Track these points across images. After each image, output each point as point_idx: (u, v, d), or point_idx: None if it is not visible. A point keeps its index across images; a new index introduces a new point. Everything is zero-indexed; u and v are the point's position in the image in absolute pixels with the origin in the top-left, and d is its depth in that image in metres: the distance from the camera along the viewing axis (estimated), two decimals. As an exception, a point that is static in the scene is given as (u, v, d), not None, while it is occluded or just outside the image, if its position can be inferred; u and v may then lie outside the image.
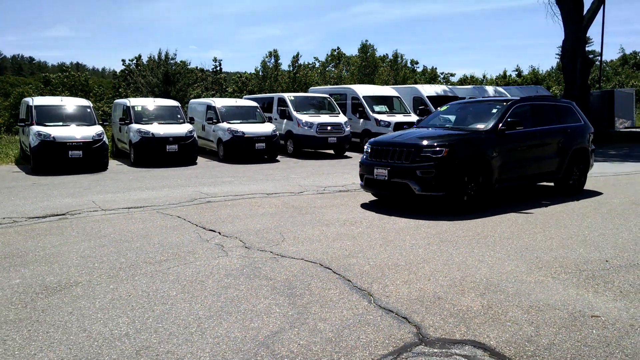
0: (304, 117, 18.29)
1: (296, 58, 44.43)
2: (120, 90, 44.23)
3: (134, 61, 48.61)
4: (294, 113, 18.61)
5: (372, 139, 9.32)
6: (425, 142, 8.37)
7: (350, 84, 37.43)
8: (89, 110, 15.63)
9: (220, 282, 4.96)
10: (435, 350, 3.54)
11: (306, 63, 46.42)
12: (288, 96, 19.75)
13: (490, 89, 25.81)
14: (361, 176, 9.17)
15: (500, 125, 8.93)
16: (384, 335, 3.79)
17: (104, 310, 4.30)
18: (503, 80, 51.77)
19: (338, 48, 52.64)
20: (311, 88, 27.55)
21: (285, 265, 5.48)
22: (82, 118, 15.20)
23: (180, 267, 5.45)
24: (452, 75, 58.68)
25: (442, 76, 57.72)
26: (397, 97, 21.56)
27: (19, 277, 5.15)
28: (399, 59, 51.78)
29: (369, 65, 46.68)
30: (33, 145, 13.72)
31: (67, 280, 5.06)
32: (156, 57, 40.16)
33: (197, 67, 45.79)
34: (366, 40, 49.50)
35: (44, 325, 3.99)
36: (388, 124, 19.15)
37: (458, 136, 8.70)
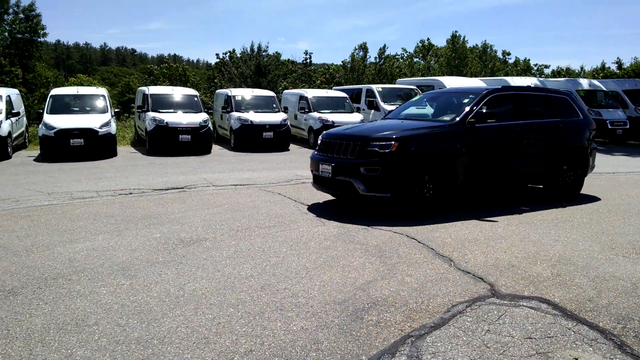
0: (391, 108, 18.92)
1: (382, 50, 44.80)
2: (215, 81, 46.85)
3: (227, 54, 51.30)
4: (382, 104, 19.30)
5: (325, 131, 8.26)
6: (373, 135, 7.27)
7: (438, 76, 37.34)
8: (195, 99, 17.29)
9: (321, 244, 5.87)
10: (505, 302, 4.21)
11: (393, 54, 46.66)
12: (376, 87, 20.47)
13: (584, 82, 24.94)
14: (312, 172, 8.16)
15: (470, 117, 7.63)
16: (461, 288, 4.50)
17: (231, 258, 5.34)
18: (601, 72, 49.05)
19: (428, 39, 52.32)
20: (398, 80, 28.02)
21: (376, 234, 6.29)
22: (190, 106, 16.85)
23: (286, 231, 6.42)
24: (547, 67, 56.38)
25: (535, 68, 55.62)
26: (485, 90, 21.57)
27: (159, 233, 6.35)
28: (489, 49, 50.57)
29: (458, 56, 46.09)
30: (149, 129, 15.49)
31: (197, 236, 6.19)
32: (249, 50, 42.31)
33: (288, 59, 47.46)
34: (456, 31, 48.79)
35: (187, 266, 5.09)
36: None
37: (414, 129, 7.46)
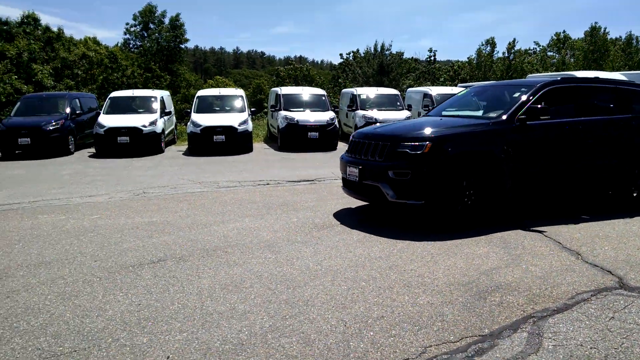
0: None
1: (512, 44, 42.86)
2: (339, 80, 48.17)
3: (351, 54, 52.45)
4: (509, 101, 18.76)
5: (356, 131, 7.66)
6: (404, 135, 6.46)
7: (574, 70, 34.97)
8: (323, 98, 18.20)
9: (445, 232, 6.16)
10: (633, 294, 4.22)
11: (523, 49, 44.44)
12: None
13: None
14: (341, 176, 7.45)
15: (520, 113, 6.61)
16: (587, 280, 4.57)
17: (360, 242, 5.85)
18: None
19: (564, 31, 49.05)
20: (529, 75, 26.80)
21: (502, 227, 6.42)
22: (318, 105, 17.80)
23: (411, 219, 6.80)
24: None
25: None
26: (628, 84, 19.97)
27: (295, 218, 7.07)
28: (634, 41, 46.06)
29: (597, 49, 42.65)
30: (281, 127, 16.66)
31: (328, 222, 6.80)
32: (372, 49, 42.95)
33: (411, 57, 47.33)
34: (596, 23, 45.16)
35: (322, 246, 5.69)
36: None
37: (452, 127, 6.53)
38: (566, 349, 3.32)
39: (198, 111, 16.62)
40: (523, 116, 6.58)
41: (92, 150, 16.89)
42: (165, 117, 17.19)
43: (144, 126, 15.47)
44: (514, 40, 43.04)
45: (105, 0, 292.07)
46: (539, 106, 6.58)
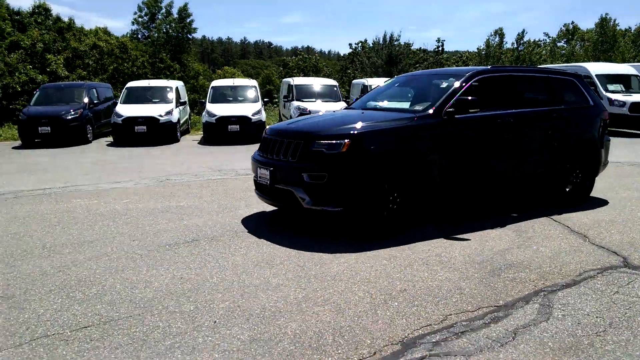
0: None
1: (521, 35, 42.94)
2: (348, 71, 48.36)
3: (360, 44, 52.55)
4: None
5: (269, 126, 6.81)
6: (319, 132, 5.66)
7: (583, 61, 35.01)
8: (335, 89, 18.58)
9: (457, 219, 6.50)
10: (637, 272, 4.56)
11: (533, 40, 44.44)
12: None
13: None
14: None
15: (447, 106, 6.01)
16: (594, 259, 4.91)
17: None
18: None
19: (572, 22, 49.01)
20: (539, 67, 26.98)
21: (511, 213, 6.75)
22: (329, 95, 18.15)
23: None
24: None
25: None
26: (636, 76, 20.11)
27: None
28: (645, 32, 45.92)
29: (606, 41, 42.61)
30: (294, 116, 16.99)
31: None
32: (381, 40, 43.11)
33: (419, 47, 47.42)
34: (606, 14, 45.09)
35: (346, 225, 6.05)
36: (623, 104, 18.20)
37: (374, 123, 5.78)
38: (574, 318, 3.67)
39: (213, 101, 16.98)
40: (451, 109, 5.98)
41: (109, 139, 17.32)
42: (180, 107, 17.57)
43: (161, 116, 15.85)
44: (523, 31, 43.13)
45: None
46: (469, 98, 5.92)
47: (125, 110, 16.12)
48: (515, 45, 42.70)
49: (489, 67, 6.87)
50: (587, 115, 7.40)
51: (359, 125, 5.61)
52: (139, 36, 46.61)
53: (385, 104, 7.19)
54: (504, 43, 42.67)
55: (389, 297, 4.04)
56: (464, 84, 6.23)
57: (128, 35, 46.22)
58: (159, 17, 45.72)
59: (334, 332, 3.47)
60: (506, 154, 6.50)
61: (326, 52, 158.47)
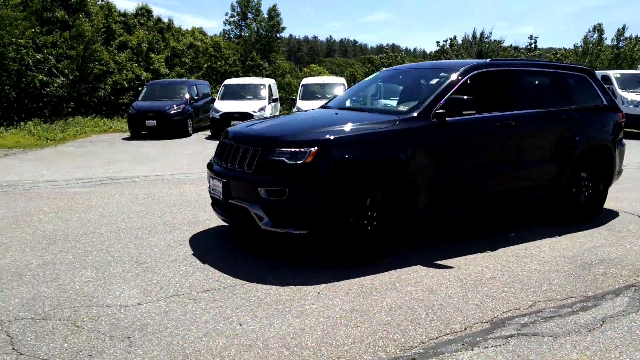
0: (630, 96, 17.59)
1: (621, 31, 40.28)
2: (434, 69, 47.70)
3: (448, 42, 51.64)
4: (619, 91, 18.04)
5: (229, 128, 5.63)
6: (281, 137, 4.71)
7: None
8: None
9: (547, 212, 6.56)
10: None
11: (635, 36, 41.53)
12: (613, 73, 19.13)
13: None
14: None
15: (437, 107, 5.06)
16: (693, 260, 4.86)
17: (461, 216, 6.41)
18: None
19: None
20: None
21: (605, 213, 6.69)
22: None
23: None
24: None
25: None
26: None
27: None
28: None
29: None
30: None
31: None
32: (470, 37, 42.24)
33: (511, 45, 45.90)
34: None
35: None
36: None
37: (348, 127, 4.76)
38: (666, 312, 3.75)
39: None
40: (441, 111, 5.03)
41: (207, 132, 18.53)
42: (273, 104, 18.46)
43: (254, 111, 16.78)
44: (624, 27, 40.44)
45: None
46: (463, 97, 5.01)
47: (223, 106, 17.23)
48: (615, 42, 40.13)
49: (486, 60, 5.85)
50: (599, 118, 6.46)
51: (328, 129, 4.68)
52: (231, 35, 48.79)
53: (365, 103, 6.35)
54: (603, 39, 40.23)
55: (479, 283, 4.30)
56: (457, 81, 5.29)
57: (220, 34, 48.55)
58: (250, 16, 47.63)
59: (427, 309, 3.80)
60: (507, 163, 5.56)
61: (411, 50, 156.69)
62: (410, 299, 3.98)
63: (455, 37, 49.58)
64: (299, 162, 4.44)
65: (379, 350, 3.21)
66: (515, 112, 5.66)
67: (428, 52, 63.53)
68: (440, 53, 48.26)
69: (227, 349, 3.23)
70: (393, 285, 4.25)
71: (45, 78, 21.69)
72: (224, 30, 51.99)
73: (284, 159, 4.49)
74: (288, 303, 3.89)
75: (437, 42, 47.00)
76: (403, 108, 5.36)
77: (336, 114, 5.58)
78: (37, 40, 22.31)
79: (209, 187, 5.30)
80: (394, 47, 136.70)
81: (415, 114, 5.02)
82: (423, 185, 4.92)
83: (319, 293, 4.07)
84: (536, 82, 6.24)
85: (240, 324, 3.55)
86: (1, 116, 20.10)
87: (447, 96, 5.12)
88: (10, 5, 20.97)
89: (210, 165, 5.36)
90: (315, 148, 4.45)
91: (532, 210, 6.77)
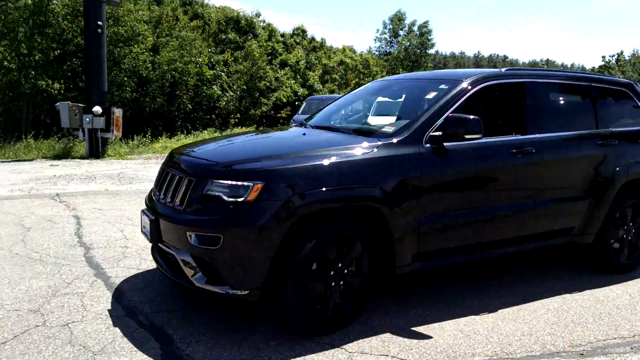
0: None
1: None
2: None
3: (614, 57, 47.63)
4: None
5: (175, 148, 4.58)
6: (220, 164, 3.58)
7: None
8: None
9: None
10: None
11: None
12: None
13: None
14: None
15: (431, 128, 3.92)
16: None
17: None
18: None
19: None
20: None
21: None
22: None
23: None
24: None
25: None
26: None
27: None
28: None
29: None
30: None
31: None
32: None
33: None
34: None
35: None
36: None
37: (309, 153, 3.61)
38: None
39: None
40: (437, 133, 3.88)
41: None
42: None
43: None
44: None
45: (356, 10, 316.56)
46: (469, 117, 3.83)
47: (375, 121, 18.15)
48: None
49: (501, 70, 4.66)
50: None
51: (283, 157, 3.51)
52: (379, 52, 50.19)
53: (347, 120, 5.39)
54: None
55: (648, 298, 4.42)
56: (460, 95, 4.14)
57: (368, 51, 50.21)
58: (402, 33, 48.64)
59: (594, 315, 4.06)
60: (524, 201, 4.36)
61: (568, 65, 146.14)
62: (577, 305, 4.25)
63: (622, 52, 45.68)
64: (239, 199, 3.24)
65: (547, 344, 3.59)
66: (537, 135, 4.42)
67: (589, 68, 58.89)
68: (604, 69, 44.77)
69: None
70: (558, 292, 4.54)
71: (219, 92, 24.60)
72: (369, 47, 53.47)
73: (221, 194, 3.30)
74: None
75: (603, 56, 43.65)
76: (388, 129, 4.02)
77: (304, 134, 4.37)
78: (212, 59, 25.41)
79: (141, 224, 4.04)
80: (548, 62, 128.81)
81: (401, 138, 3.79)
82: (411, 231, 3.71)
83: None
84: (565, 98, 4.99)
85: None
86: (180, 125, 23.22)
87: (445, 115, 3.94)
88: (191, 28, 24.21)
89: (147, 197, 4.20)
90: (261, 183, 3.25)
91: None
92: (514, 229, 4.37)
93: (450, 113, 3.98)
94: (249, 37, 28.76)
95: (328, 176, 3.44)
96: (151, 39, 21.27)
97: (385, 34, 49.33)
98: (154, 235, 3.70)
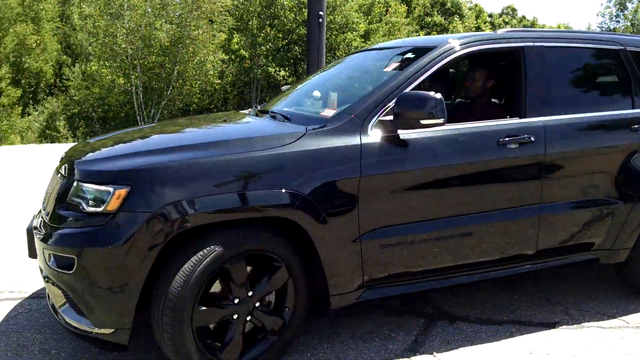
0: None
1: None
2: None
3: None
4: None
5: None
6: (88, 163, 2.60)
7: None
8: None
9: None
10: None
11: None
12: None
13: None
14: None
15: (381, 111, 2.72)
16: None
17: None
18: None
19: None
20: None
21: None
22: None
23: None
24: None
25: None
26: None
27: None
28: None
29: None
30: None
31: None
32: None
33: None
34: None
35: None
36: None
37: (202, 145, 2.58)
38: None
39: None
40: (388, 118, 2.76)
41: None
42: None
43: None
44: None
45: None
46: (427, 95, 2.66)
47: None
48: None
49: (486, 33, 3.75)
50: None
51: (167, 151, 2.59)
52: (600, 28, 45.04)
53: (304, 104, 3.98)
54: None
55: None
56: (428, 66, 2.93)
57: (588, 28, 45.39)
58: (631, 6, 42.96)
59: None
60: (518, 208, 3.09)
61: None
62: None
63: None
64: (98, 209, 2.37)
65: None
66: (539, 119, 3.12)
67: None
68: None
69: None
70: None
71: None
72: (589, 24, 48.05)
73: (82, 201, 2.45)
74: None
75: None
76: (328, 113, 2.95)
77: (248, 122, 3.43)
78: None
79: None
80: None
81: (337, 125, 2.73)
82: (349, 250, 2.67)
83: None
84: (585, 68, 3.56)
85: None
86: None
87: (400, 94, 2.73)
88: (398, 13, 24.95)
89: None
90: (125, 187, 2.36)
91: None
92: (506, 245, 3.10)
93: (410, 90, 2.79)
94: (455, 19, 28.43)
95: (224, 176, 2.44)
96: (363, 25, 22.50)
97: (610, 7, 43.96)
98: (32, 252, 2.85)
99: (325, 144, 2.63)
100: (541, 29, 3.65)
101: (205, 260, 2.38)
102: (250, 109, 3.95)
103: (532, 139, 3.01)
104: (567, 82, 3.43)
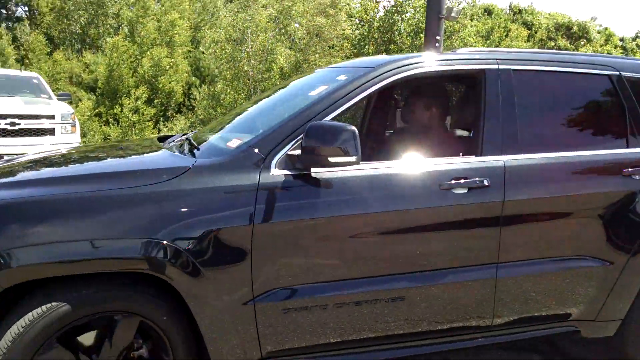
0: None
1: None
2: None
3: None
4: None
5: None
6: None
7: None
8: None
9: None
10: None
11: None
12: None
13: None
14: None
15: (290, 144, 2.14)
16: None
17: None
18: None
19: None
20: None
21: None
22: None
23: None
24: None
25: None
26: None
27: None
28: None
29: None
30: None
31: None
32: None
33: None
34: None
35: None
36: None
37: (71, 179, 2.02)
38: None
39: None
40: (296, 152, 2.19)
41: None
42: None
43: None
44: None
45: None
46: (340, 126, 2.10)
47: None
48: None
49: (444, 53, 3.06)
50: None
51: (19, 185, 2.20)
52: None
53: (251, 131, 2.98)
54: None
55: None
56: (356, 92, 2.39)
57: None
58: None
59: None
60: (466, 273, 2.47)
61: None
62: None
63: None
64: None
65: None
66: (498, 158, 2.49)
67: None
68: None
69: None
70: None
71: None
72: None
73: None
74: None
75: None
76: (233, 144, 2.40)
77: (141, 154, 2.86)
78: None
79: None
80: None
81: (230, 158, 2.25)
82: (240, 317, 2.17)
83: None
84: (568, 98, 2.85)
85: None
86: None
87: (309, 124, 2.20)
88: (520, 37, 24.00)
89: None
90: None
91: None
92: (451, 312, 2.49)
93: (324, 122, 2.23)
94: (582, 43, 26.81)
95: (68, 220, 1.97)
96: (480, 49, 21.98)
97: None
98: None
99: (211, 183, 2.11)
100: (514, 49, 3.17)
101: (42, 321, 1.88)
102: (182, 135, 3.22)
103: (486, 182, 2.41)
104: (540, 113, 2.76)
